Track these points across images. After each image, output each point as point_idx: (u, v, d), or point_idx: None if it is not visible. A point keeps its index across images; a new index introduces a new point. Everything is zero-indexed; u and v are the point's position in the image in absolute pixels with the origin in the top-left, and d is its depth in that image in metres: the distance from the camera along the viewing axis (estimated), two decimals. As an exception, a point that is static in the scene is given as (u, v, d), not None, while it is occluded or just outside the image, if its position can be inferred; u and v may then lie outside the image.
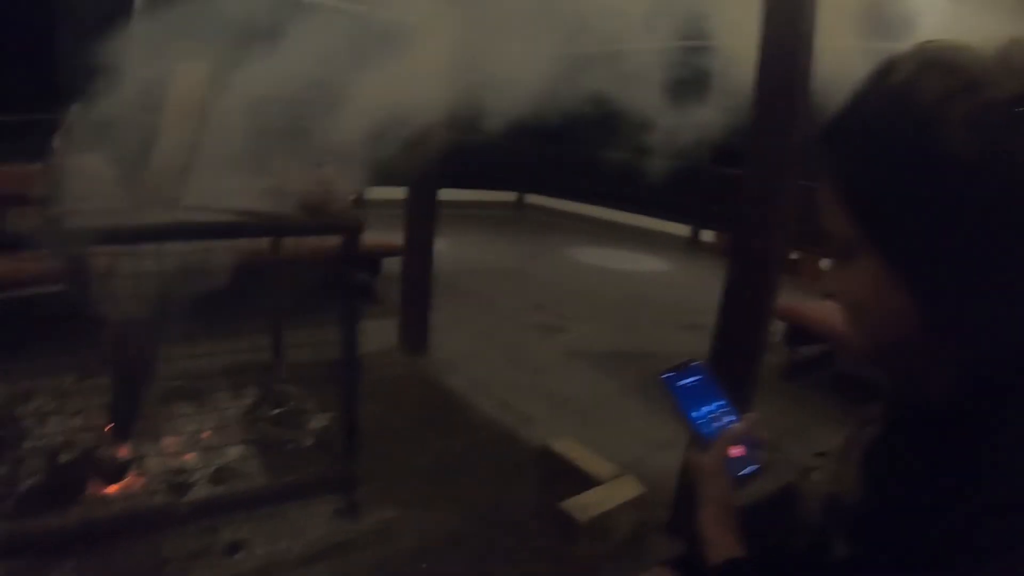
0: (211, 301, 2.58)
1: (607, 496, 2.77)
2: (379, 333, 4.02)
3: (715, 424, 1.07)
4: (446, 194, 4.40)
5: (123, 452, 2.68)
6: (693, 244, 9.04)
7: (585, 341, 4.92)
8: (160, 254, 2.50)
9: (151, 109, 2.45)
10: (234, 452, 2.81)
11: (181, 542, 2.43)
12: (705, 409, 1.09)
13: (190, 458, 2.73)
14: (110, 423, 2.75)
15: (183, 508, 2.51)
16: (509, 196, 11.52)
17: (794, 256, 7.74)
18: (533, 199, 11.49)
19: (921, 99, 0.68)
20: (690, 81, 3.20)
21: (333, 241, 2.47)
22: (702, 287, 6.76)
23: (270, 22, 2.60)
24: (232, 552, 2.42)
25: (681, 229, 9.45)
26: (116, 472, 2.61)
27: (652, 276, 7.22)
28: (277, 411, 3.12)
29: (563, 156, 10.40)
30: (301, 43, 2.57)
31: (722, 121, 3.01)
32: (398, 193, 4.37)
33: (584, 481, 2.86)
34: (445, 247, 4.48)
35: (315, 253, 4.11)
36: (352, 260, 2.39)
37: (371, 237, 2.91)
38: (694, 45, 3.10)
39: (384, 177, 3.74)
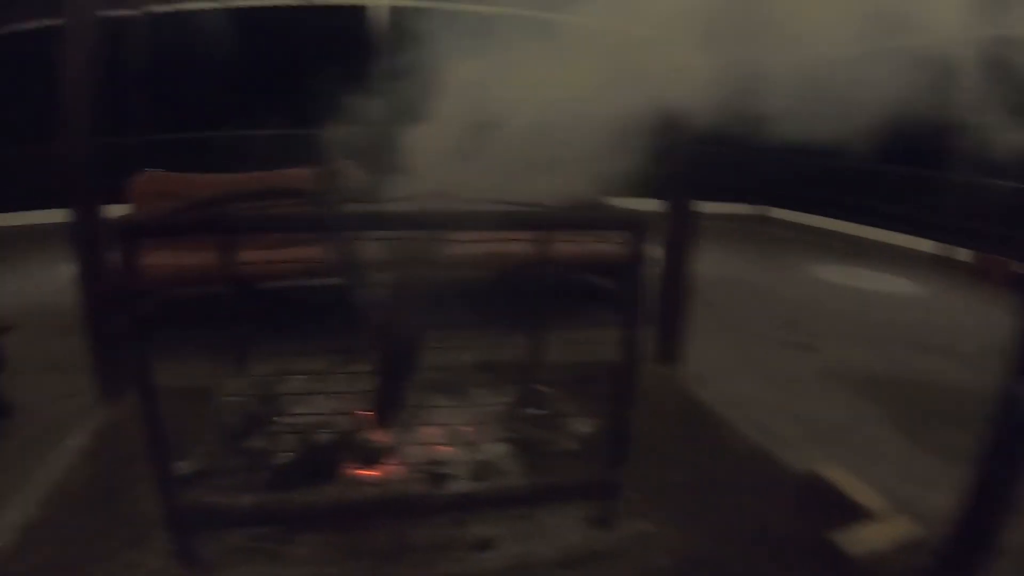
0: (475, 295, 2.59)
1: (881, 533, 2.51)
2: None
3: None
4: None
5: (380, 437, 2.75)
6: (944, 263, 8.21)
7: (838, 363, 4.54)
8: (428, 244, 2.54)
9: (416, 116, 2.50)
10: (492, 449, 2.82)
11: (430, 532, 2.45)
12: None
13: (447, 450, 2.77)
14: (370, 408, 2.83)
15: (436, 499, 2.53)
16: (751, 209, 11.17)
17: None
18: (775, 212, 11.04)
19: None
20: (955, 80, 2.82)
21: (603, 245, 2.40)
22: (960, 312, 6.16)
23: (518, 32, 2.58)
24: (481, 549, 2.39)
25: (927, 245, 8.66)
26: (371, 456, 2.68)
27: (903, 297, 6.61)
28: (537, 412, 3.10)
29: (804, 167, 9.89)
30: (551, 50, 2.52)
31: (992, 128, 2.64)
32: (644, 204, 4.26)
33: (853, 514, 2.60)
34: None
35: (583, 254, 4.13)
36: (635, 260, 2.27)
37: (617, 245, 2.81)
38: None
39: (631, 187, 3.65)
